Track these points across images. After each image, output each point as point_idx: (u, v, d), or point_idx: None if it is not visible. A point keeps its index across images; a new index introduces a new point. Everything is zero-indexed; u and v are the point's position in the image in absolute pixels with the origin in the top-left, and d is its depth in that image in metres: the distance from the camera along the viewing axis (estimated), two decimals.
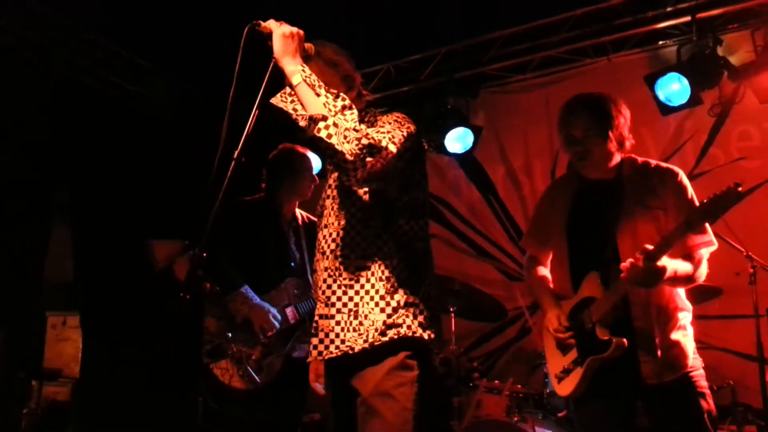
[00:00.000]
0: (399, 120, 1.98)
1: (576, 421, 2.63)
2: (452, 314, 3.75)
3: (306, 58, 1.93)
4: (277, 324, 2.85)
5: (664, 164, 2.41)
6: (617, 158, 2.38)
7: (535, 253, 2.63)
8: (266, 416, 2.81)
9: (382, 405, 1.85)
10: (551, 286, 2.51)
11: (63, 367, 4.87)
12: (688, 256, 2.25)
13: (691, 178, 4.37)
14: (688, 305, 2.34)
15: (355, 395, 1.92)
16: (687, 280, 2.25)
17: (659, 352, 2.22)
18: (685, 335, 2.28)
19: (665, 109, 4.34)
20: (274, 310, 2.86)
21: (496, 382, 3.63)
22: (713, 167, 4.41)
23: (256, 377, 2.80)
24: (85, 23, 4.68)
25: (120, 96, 5.14)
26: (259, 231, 2.98)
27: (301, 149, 3.12)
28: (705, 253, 2.29)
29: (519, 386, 3.53)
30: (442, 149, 5.14)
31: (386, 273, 1.93)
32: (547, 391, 3.49)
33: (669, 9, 4.44)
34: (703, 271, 2.28)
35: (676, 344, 2.25)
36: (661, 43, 4.67)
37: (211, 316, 2.83)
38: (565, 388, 2.34)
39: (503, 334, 4.90)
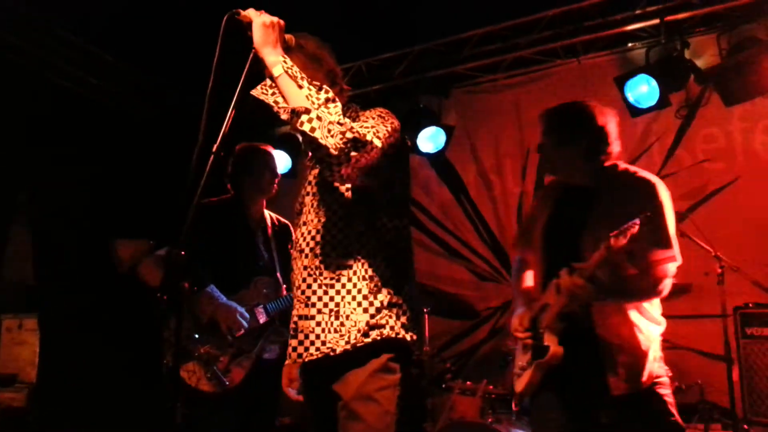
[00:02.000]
0: (383, 115, 1.92)
1: (530, 420, 2.75)
2: (426, 315, 3.71)
3: (287, 50, 1.86)
4: (245, 323, 2.77)
5: (643, 174, 2.36)
6: (596, 165, 2.36)
7: (523, 255, 2.63)
8: (237, 420, 2.73)
9: (364, 408, 1.81)
10: (529, 287, 2.52)
11: (18, 371, 4.68)
12: (646, 270, 2.23)
13: (659, 178, 4.55)
14: (657, 317, 2.35)
15: (335, 399, 1.86)
16: (637, 293, 2.26)
17: (623, 363, 2.22)
18: (648, 346, 2.28)
19: (634, 111, 4.39)
20: (241, 309, 2.78)
21: (469, 383, 3.61)
22: (679, 169, 4.49)
23: (225, 380, 2.71)
24: (52, 18, 4.50)
25: (81, 92, 4.96)
26: (228, 231, 2.90)
27: (261, 146, 3.07)
28: (671, 267, 2.26)
29: (491, 387, 3.52)
30: (414, 149, 5.11)
31: (369, 272, 1.88)
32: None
33: (638, 12, 4.50)
34: (666, 285, 2.26)
35: (642, 355, 2.25)
36: (630, 45, 4.74)
37: (176, 318, 2.73)
38: (519, 385, 2.42)
39: (474, 335, 4.90)
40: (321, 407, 1.93)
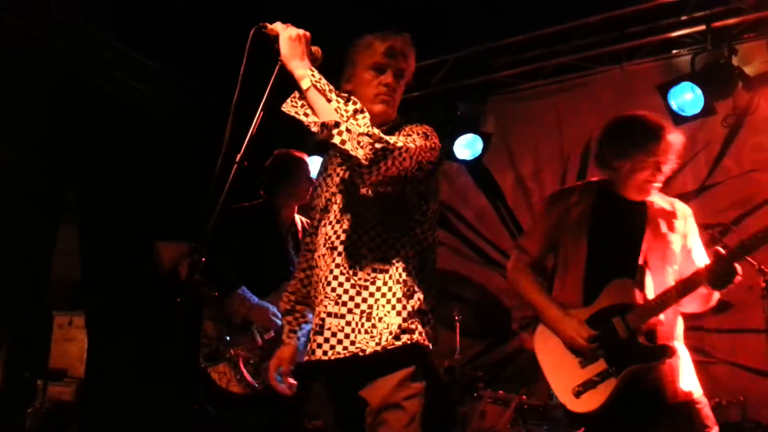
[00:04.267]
0: (427, 133, 1.97)
1: None
2: (457, 323, 3.70)
3: (314, 62, 1.91)
4: (278, 321, 2.83)
5: (678, 201, 2.55)
6: (653, 183, 2.44)
7: (534, 255, 2.55)
8: (265, 421, 2.79)
9: (392, 416, 1.83)
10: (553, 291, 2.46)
11: (68, 366, 4.89)
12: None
13: (703, 188, 4.44)
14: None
15: (361, 404, 1.88)
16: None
17: (679, 370, 2.22)
18: (687, 355, 2.30)
19: (678, 119, 4.27)
20: (273, 309, 2.84)
21: (501, 392, 3.58)
22: (726, 178, 4.35)
23: (254, 381, 2.77)
24: (95, 23, 4.69)
25: (128, 96, 5.14)
26: (258, 235, 2.97)
27: (297, 153, 3.14)
28: None
29: (524, 397, 3.48)
30: (451, 156, 5.12)
31: (403, 276, 1.92)
32: (553, 402, 3.45)
33: (684, 18, 4.39)
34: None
35: (687, 363, 2.26)
36: (675, 52, 4.62)
37: (209, 320, 2.82)
38: (587, 404, 2.21)
39: (508, 344, 4.85)
40: (346, 410, 1.95)
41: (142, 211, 4.91)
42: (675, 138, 2.46)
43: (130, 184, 4.93)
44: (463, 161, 5.18)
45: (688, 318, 3.48)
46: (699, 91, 4.19)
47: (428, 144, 1.93)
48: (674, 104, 4.28)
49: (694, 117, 4.27)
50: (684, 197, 4.41)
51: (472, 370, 3.89)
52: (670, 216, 2.45)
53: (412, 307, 1.89)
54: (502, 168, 5.30)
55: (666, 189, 4.51)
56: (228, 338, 2.82)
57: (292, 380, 2.15)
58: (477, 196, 5.36)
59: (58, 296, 5.02)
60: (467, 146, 5.14)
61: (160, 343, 4.60)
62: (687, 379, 2.26)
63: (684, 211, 2.52)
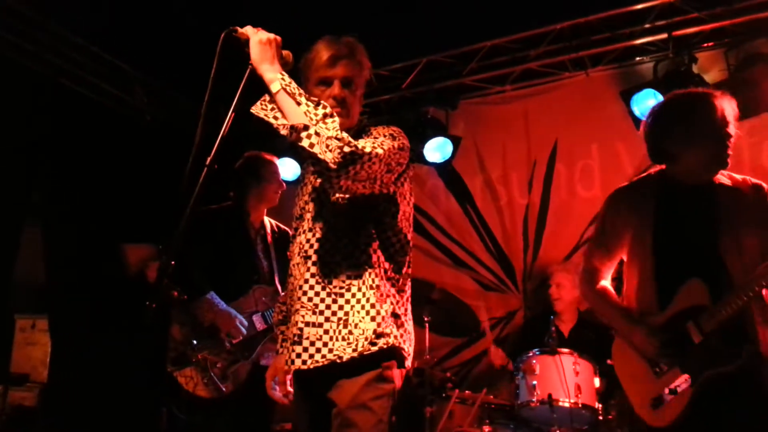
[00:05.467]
0: (394, 134, 1.99)
1: None
2: (427, 324, 3.75)
3: (285, 65, 1.92)
4: (243, 330, 2.83)
5: (753, 179, 2.30)
6: (720, 168, 2.26)
7: (598, 265, 2.42)
8: (233, 425, 2.79)
9: (359, 417, 1.84)
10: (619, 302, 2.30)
11: (30, 371, 4.78)
12: None
13: None
14: None
15: (329, 406, 1.89)
16: None
17: None
18: None
19: (640, 125, 4.38)
20: (240, 317, 2.85)
21: (468, 392, 3.63)
22: None
23: (221, 385, 2.77)
24: (66, 25, 4.62)
25: (96, 97, 5.07)
26: (227, 238, 2.97)
27: (267, 156, 3.14)
28: None
29: (491, 397, 3.54)
30: (421, 158, 5.17)
31: (376, 281, 1.93)
32: (519, 402, 3.51)
33: (647, 26, 4.52)
34: None
35: None
36: (638, 59, 4.74)
37: (176, 324, 2.80)
38: (664, 417, 2.08)
39: (477, 345, 4.91)
40: (316, 414, 1.96)
41: (108, 214, 4.84)
42: (725, 102, 2.26)
43: (96, 186, 4.85)
44: (434, 164, 5.23)
45: None
46: (661, 98, 4.31)
47: (397, 145, 1.94)
48: (637, 110, 4.39)
49: None
50: None
51: (441, 371, 3.94)
52: (743, 197, 2.19)
53: (386, 311, 1.91)
54: (472, 171, 5.37)
55: None
56: (195, 342, 2.81)
57: (289, 388, 2.16)
58: (447, 199, 5.42)
59: (21, 299, 4.91)
60: (437, 149, 5.19)
61: (126, 347, 4.54)
62: None
63: (759, 188, 2.25)
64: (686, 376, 2.08)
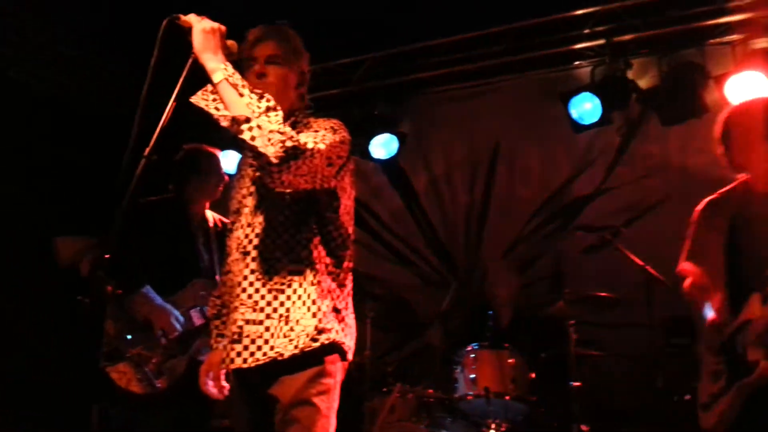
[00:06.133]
0: (334, 127, 1.97)
1: None
2: (368, 319, 3.78)
3: (229, 56, 1.88)
4: (178, 326, 2.77)
5: None
6: None
7: (696, 278, 2.40)
8: (170, 421, 2.73)
9: (302, 413, 1.83)
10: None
11: None
12: None
13: (599, 193, 4.74)
14: None
15: (272, 402, 1.88)
16: None
17: None
18: None
19: (577, 127, 4.56)
20: (176, 312, 2.78)
21: (409, 386, 3.69)
22: (620, 184, 4.66)
23: (156, 381, 2.71)
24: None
25: (31, 85, 4.85)
26: (167, 231, 2.90)
27: (208, 149, 3.09)
28: None
29: (431, 391, 3.61)
30: (367, 155, 5.19)
31: (317, 277, 1.92)
32: (456, 395, 3.59)
33: (586, 31, 4.67)
34: None
35: None
36: (576, 63, 4.90)
37: (110, 318, 2.72)
38: (709, 419, 2.16)
39: (419, 339, 4.97)
40: (257, 409, 1.94)
41: (41, 206, 4.66)
42: None
43: (29, 177, 4.66)
44: (379, 160, 5.25)
45: (580, 315, 3.77)
46: (597, 101, 4.48)
47: (338, 139, 1.93)
48: (574, 113, 4.55)
49: (593, 125, 4.56)
50: (581, 201, 4.79)
51: (383, 366, 3.98)
52: None
53: (328, 306, 1.91)
54: (417, 169, 5.42)
55: (564, 193, 4.86)
56: (129, 337, 2.73)
57: (224, 383, 2.12)
58: (391, 196, 5.46)
59: None
60: (383, 146, 5.22)
61: (57, 342, 4.39)
62: None
63: None
64: (728, 385, 2.14)
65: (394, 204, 5.44)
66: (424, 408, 3.51)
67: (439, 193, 5.35)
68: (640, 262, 3.60)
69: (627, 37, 4.58)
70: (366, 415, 3.59)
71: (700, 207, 2.44)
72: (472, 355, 3.61)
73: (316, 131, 1.93)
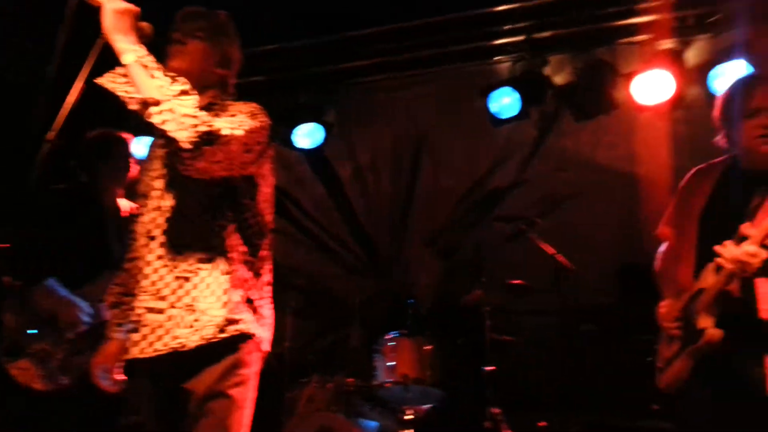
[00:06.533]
0: (254, 111, 1.91)
1: (676, 417, 2.48)
2: (289, 309, 3.76)
3: (143, 38, 1.81)
4: (85, 319, 2.65)
5: None
6: None
7: (674, 243, 2.46)
8: (77, 419, 2.62)
9: (217, 405, 1.79)
10: (676, 275, 2.36)
11: None
12: None
13: (516, 185, 4.90)
14: None
15: (184, 395, 1.82)
16: None
17: None
18: None
19: (496, 121, 4.69)
20: (83, 305, 2.66)
21: (329, 376, 3.71)
22: (535, 177, 4.83)
23: (61, 378, 2.58)
24: None
25: None
26: (75, 221, 2.76)
27: (118, 133, 2.96)
28: None
29: (350, 380, 3.64)
30: (291, 144, 5.14)
31: (229, 266, 1.86)
32: (376, 383, 3.65)
33: (506, 27, 4.78)
34: None
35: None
36: (497, 58, 5.02)
37: (8, 311, 2.57)
38: (663, 380, 2.28)
39: (341, 329, 5.00)
40: (168, 404, 1.88)
41: None
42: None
43: None
44: (303, 150, 5.21)
45: (496, 302, 3.91)
46: (516, 96, 4.62)
47: (257, 124, 1.88)
48: (494, 107, 4.68)
49: (511, 119, 4.71)
50: (500, 192, 4.94)
51: (304, 356, 3.98)
52: None
53: (240, 297, 1.86)
54: (341, 158, 5.41)
55: (485, 185, 5.01)
56: (34, 332, 2.59)
57: (119, 376, 2.03)
58: (315, 185, 5.43)
59: None
60: (308, 135, 5.18)
61: None
62: None
63: None
64: (681, 349, 2.23)
65: (318, 193, 5.42)
66: (342, 397, 3.54)
67: (364, 183, 5.37)
68: (552, 251, 3.76)
69: (544, 34, 4.72)
70: (285, 406, 3.59)
71: (688, 175, 2.48)
72: (392, 343, 3.67)
73: (234, 115, 1.87)
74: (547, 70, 4.73)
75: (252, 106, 1.94)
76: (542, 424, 3.68)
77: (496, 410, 3.56)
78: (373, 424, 3.55)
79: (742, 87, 2.28)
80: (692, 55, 4.36)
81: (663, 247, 2.54)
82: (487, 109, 4.68)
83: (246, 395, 1.85)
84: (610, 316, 4.12)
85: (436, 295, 4.45)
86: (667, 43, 4.35)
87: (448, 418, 3.84)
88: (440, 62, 5.13)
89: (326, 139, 5.18)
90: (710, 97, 4.09)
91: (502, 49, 4.96)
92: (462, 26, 4.85)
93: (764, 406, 2.06)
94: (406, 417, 3.45)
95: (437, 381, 3.60)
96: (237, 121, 1.84)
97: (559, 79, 4.78)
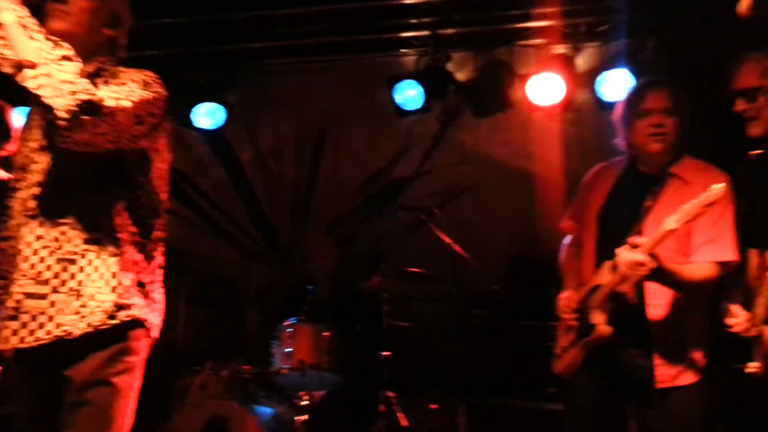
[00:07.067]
0: (148, 81, 1.79)
1: (563, 402, 2.71)
2: (182, 295, 3.65)
3: (27, 0, 1.66)
4: None
5: (717, 174, 2.29)
6: (680, 150, 2.33)
7: (576, 236, 2.56)
8: None
9: (97, 394, 1.70)
10: (578, 268, 2.47)
11: None
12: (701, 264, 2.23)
13: (417, 176, 5.02)
14: (705, 307, 2.33)
15: (64, 384, 1.71)
16: (684, 285, 2.21)
17: (672, 352, 2.20)
18: (703, 336, 2.28)
19: (401, 113, 4.78)
20: None
21: (223, 363, 3.64)
22: (435, 168, 4.96)
23: None
24: None
25: None
26: None
27: None
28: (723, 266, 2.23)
29: (246, 367, 3.60)
30: (189, 123, 4.95)
31: (119, 247, 1.75)
32: (272, 370, 3.62)
33: (413, 21, 4.85)
34: (711, 283, 2.24)
35: (696, 346, 2.24)
36: (403, 51, 5.08)
37: None
38: (558, 366, 2.43)
39: (236, 315, 4.90)
40: (44, 395, 1.76)
41: None
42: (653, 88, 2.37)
43: None
44: (203, 130, 5.04)
45: (394, 289, 4.00)
46: (420, 89, 4.71)
47: (149, 94, 1.76)
48: (399, 98, 4.75)
49: (415, 112, 4.80)
50: (402, 182, 5.04)
51: (198, 343, 3.87)
52: (684, 194, 2.17)
53: (131, 280, 1.76)
54: (243, 141, 5.29)
55: (387, 174, 5.08)
56: None
57: None
58: (214, 167, 5.28)
59: None
60: (208, 115, 5.01)
61: None
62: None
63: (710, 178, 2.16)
64: (576, 340, 2.38)
65: (217, 176, 5.27)
66: (237, 384, 3.49)
67: (266, 168, 5.29)
68: (448, 241, 3.89)
69: (449, 31, 4.82)
70: (175, 395, 3.48)
71: (591, 171, 2.60)
72: (290, 329, 3.66)
73: (124, 83, 1.75)
74: (450, 66, 4.85)
75: (146, 75, 1.82)
76: (434, 406, 3.82)
77: (391, 394, 3.66)
78: (268, 410, 3.52)
79: (637, 90, 2.45)
80: (582, 61, 4.63)
81: (567, 240, 2.66)
82: (392, 100, 4.74)
83: (131, 384, 1.77)
84: (500, 303, 4.33)
85: (336, 282, 4.47)
86: (560, 48, 4.58)
87: (344, 403, 3.88)
88: (348, 50, 5.12)
89: (227, 120, 5.03)
90: (598, 101, 4.40)
91: (408, 43, 5.03)
92: (370, 16, 4.86)
93: (649, 398, 2.24)
94: (302, 403, 3.45)
95: (334, 367, 3.63)
96: (126, 91, 1.72)
97: (461, 76, 4.92)
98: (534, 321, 3.92)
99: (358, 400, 3.84)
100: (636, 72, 4.18)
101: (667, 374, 2.22)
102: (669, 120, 2.31)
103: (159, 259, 1.92)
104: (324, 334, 3.66)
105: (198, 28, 4.91)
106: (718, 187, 2.00)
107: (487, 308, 4.26)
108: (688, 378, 2.23)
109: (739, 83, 2.19)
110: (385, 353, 3.75)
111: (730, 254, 2.22)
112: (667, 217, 2.07)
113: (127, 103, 1.70)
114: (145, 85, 1.78)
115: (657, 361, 2.22)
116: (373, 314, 3.92)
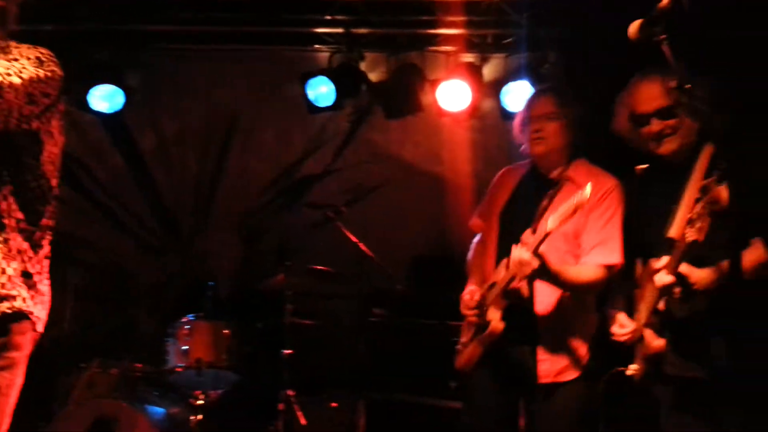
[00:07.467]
0: (41, 58, 1.69)
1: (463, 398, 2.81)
2: (71, 287, 3.44)
3: None
4: None
5: (607, 178, 2.41)
6: (571, 154, 2.44)
7: (482, 235, 2.63)
8: None
9: None
10: (482, 266, 2.54)
11: None
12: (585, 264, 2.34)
13: (326, 173, 5.02)
14: (593, 308, 2.44)
15: None
16: (569, 285, 2.31)
17: (557, 348, 2.31)
18: (588, 335, 2.38)
19: (312, 109, 4.74)
20: None
21: (112, 360, 3.47)
22: (345, 166, 4.98)
23: None
24: None
25: None
26: None
27: None
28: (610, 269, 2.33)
29: (139, 365, 3.45)
30: (85, 106, 4.65)
31: (3, 235, 1.65)
32: (167, 368, 3.50)
33: (327, 17, 4.83)
34: (597, 285, 2.35)
35: (579, 344, 2.35)
36: (317, 46, 5.05)
37: None
38: (458, 361, 2.49)
39: (129, 310, 4.68)
40: None
41: None
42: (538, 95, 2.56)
43: None
44: (100, 114, 4.75)
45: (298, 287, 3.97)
46: (332, 86, 4.70)
47: (43, 73, 1.67)
48: (311, 94, 4.71)
49: (326, 109, 4.78)
50: (310, 179, 5.01)
51: (84, 338, 3.66)
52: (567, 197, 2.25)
53: (15, 270, 1.66)
54: (144, 127, 5.05)
55: (296, 171, 5.03)
56: None
57: None
58: (112, 154, 5.01)
59: None
60: (106, 98, 4.71)
61: None
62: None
63: (602, 190, 2.35)
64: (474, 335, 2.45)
65: (114, 163, 5.00)
66: (128, 383, 3.34)
67: (168, 157, 5.08)
68: (354, 239, 3.91)
69: (362, 30, 4.85)
70: (59, 393, 3.28)
71: (500, 172, 2.70)
72: (187, 327, 3.54)
73: (15, 59, 1.65)
74: (363, 66, 4.87)
75: (40, 52, 1.72)
76: (333, 405, 3.82)
77: (291, 392, 3.62)
78: (160, 410, 3.40)
79: (528, 99, 2.64)
80: (488, 71, 4.80)
81: (476, 238, 2.74)
82: (304, 96, 4.70)
83: (12, 381, 1.67)
84: (403, 302, 4.40)
85: (238, 279, 4.37)
86: (468, 57, 4.73)
87: (242, 402, 3.81)
88: (260, 41, 5.02)
89: (126, 104, 4.76)
90: (502, 110, 4.58)
91: (322, 39, 5.00)
92: (286, 8, 4.78)
93: (535, 393, 2.36)
94: (197, 402, 3.35)
95: (234, 365, 3.55)
96: (17, 68, 1.63)
97: (373, 76, 4.96)
98: (437, 320, 4.02)
99: (258, 398, 3.78)
100: (536, 84, 4.39)
101: (550, 370, 2.31)
102: (550, 125, 2.42)
103: (46, 248, 1.82)
104: (224, 332, 3.57)
105: (98, 4, 4.62)
106: (587, 191, 2.08)
107: (389, 307, 4.32)
108: (570, 375, 2.33)
109: (649, 105, 2.18)
110: (286, 351, 3.71)
111: (616, 257, 2.32)
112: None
113: (16, 80, 1.60)
114: (39, 62, 1.69)
115: (541, 356, 2.32)
116: (276, 312, 3.87)
